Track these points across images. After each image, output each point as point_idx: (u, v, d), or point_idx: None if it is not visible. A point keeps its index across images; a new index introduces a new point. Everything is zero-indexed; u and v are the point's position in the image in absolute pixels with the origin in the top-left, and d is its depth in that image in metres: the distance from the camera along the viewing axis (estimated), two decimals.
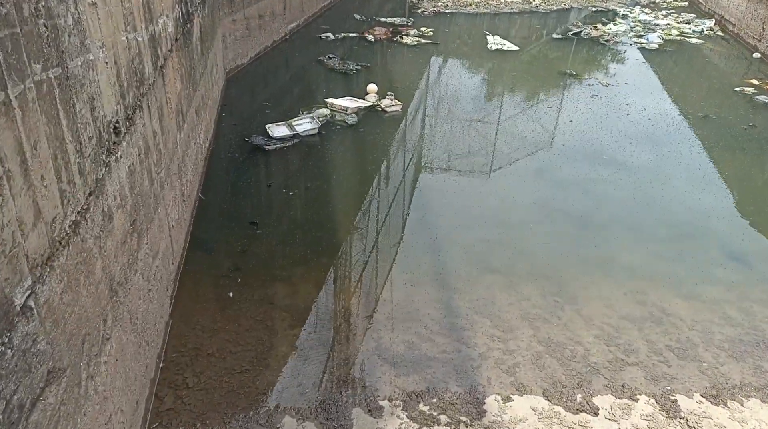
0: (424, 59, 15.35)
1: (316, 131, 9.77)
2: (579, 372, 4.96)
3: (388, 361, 5.04)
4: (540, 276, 6.31)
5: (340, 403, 4.59)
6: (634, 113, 11.57)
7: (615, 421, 4.48)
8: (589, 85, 13.40)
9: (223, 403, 4.55)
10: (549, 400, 4.65)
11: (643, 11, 22.38)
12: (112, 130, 3.66)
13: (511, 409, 4.56)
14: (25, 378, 2.36)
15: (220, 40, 11.03)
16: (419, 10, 20.96)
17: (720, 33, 18.74)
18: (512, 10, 22.13)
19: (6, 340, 2.18)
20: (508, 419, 4.46)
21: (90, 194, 3.17)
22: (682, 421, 4.49)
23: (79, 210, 3.00)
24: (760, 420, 4.54)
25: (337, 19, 18.36)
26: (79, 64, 3.06)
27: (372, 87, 11.48)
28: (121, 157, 3.82)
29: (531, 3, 23.32)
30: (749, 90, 12.93)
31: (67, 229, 2.83)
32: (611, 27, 19.41)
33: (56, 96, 2.72)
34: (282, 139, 9.37)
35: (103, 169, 3.44)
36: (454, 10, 21.58)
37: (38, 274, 2.48)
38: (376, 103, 11.11)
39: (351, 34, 16.64)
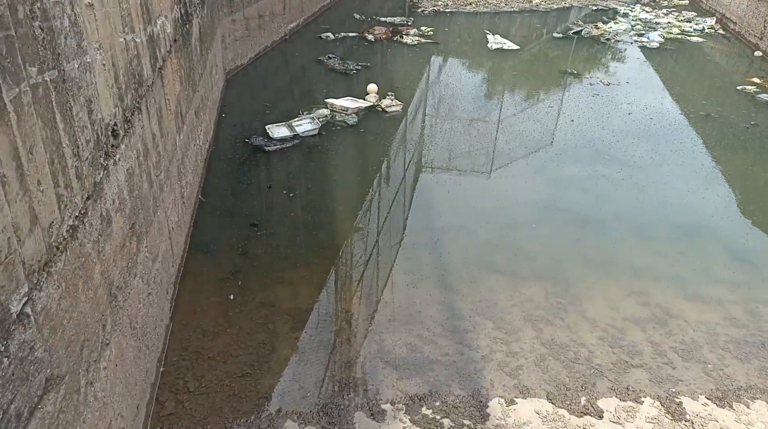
0: (425, 59, 15.30)
1: (316, 132, 9.73)
2: (583, 374, 4.92)
3: (390, 364, 5.00)
4: (542, 277, 6.26)
5: (342, 406, 4.55)
6: (636, 112, 11.52)
7: (620, 424, 4.44)
8: (590, 84, 13.35)
9: (224, 408, 4.51)
10: (553, 403, 4.61)
11: (643, 9, 22.33)
12: (110, 133, 3.62)
13: (515, 412, 4.52)
14: (23, 386, 2.32)
15: (219, 41, 10.99)
16: (419, 10, 20.91)
17: (721, 31, 18.68)
18: (512, 9, 22.07)
19: (2, 349, 2.13)
20: (511, 423, 4.42)
21: (88, 198, 3.13)
22: (687, 423, 4.44)
23: (76, 214, 2.96)
24: (767, 422, 4.49)
25: (336, 18, 18.32)
26: (76, 66, 3.01)
27: (372, 87, 11.44)
28: (119, 160, 3.78)
29: (531, 2, 23.27)
30: (751, 88, 12.87)
31: (64, 234, 2.79)
32: (612, 25, 19.35)
33: (52, 99, 2.68)
34: (282, 139, 9.33)
35: (101, 172, 3.39)
36: (454, 9, 21.53)
37: (35, 281, 2.44)
38: (376, 103, 11.07)
39: (351, 34, 16.59)
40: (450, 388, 4.74)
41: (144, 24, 4.78)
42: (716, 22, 19.35)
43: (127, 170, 3.97)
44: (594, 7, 23.04)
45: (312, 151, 9.25)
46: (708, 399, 4.70)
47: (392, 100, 11.17)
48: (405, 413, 4.49)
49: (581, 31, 18.24)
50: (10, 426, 2.21)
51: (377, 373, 4.90)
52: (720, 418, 4.52)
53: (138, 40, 4.53)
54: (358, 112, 10.62)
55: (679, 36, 18.12)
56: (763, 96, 12.40)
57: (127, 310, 3.84)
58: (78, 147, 3.01)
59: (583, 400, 4.65)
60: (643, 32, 18.45)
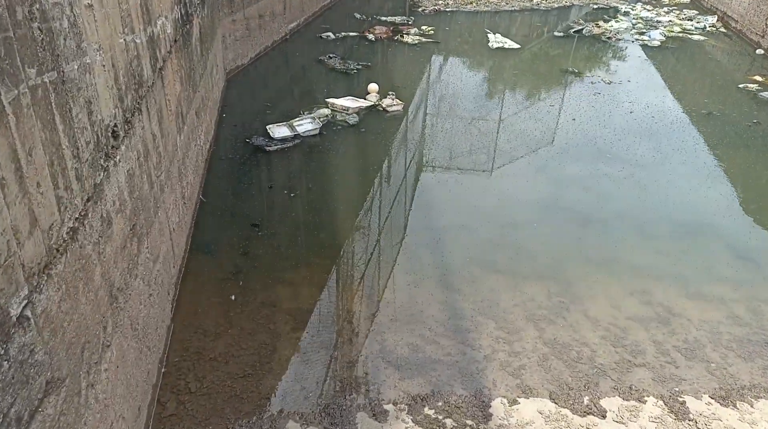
0: (425, 58, 15.28)
1: (317, 131, 9.72)
2: (586, 374, 4.90)
3: (392, 364, 4.98)
4: (544, 276, 6.25)
5: (344, 407, 4.54)
6: (638, 111, 11.49)
7: (623, 423, 4.42)
8: (592, 82, 13.32)
9: (226, 408, 4.50)
10: (556, 403, 4.59)
11: (644, 8, 22.28)
12: (110, 134, 3.61)
13: (518, 412, 4.50)
14: (23, 390, 2.31)
15: (219, 41, 10.98)
16: (420, 9, 20.88)
17: (722, 29, 18.63)
18: (513, 8, 22.03)
19: (2, 352, 2.12)
20: (514, 422, 4.40)
21: (88, 200, 3.12)
22: (691, 423, 4.43)
23: (77, 216, 2.95)
24: None
25: (337, 18, 18.30)
26: (76, 67, 3.00)
27: (373, 86, 11.43)
28: (119, 161, 3.77)
29: (532, 0, 23.23)
30: (753, 86, 12.84)
31: (64, 236, 2.77)
32: (613, 24, 19.31)
33: (52, 101, 2.67)
34: (283, 139, 9.31)
35: (102, 173, 3.38)
36: (454, 9, 21.50)
37: (35, 284, 2.43)
38: (377, 103, 11.05)
39: (351, 34, 16.57)
40: (452, 388, 4.73)
41: (144, 24, 4.76)
42: (718, 20, 19.30)
43: (127, 171, 3.96)
44: (595, 6, 23.00)
45: (313, 151, 9.24)
46: (711, 398, 4.68)
47: (393, 100, 11.16)
48: (407, 413, 4.47)
49: (582, 29, 18.21)
50: None
51: (379, 373, 4.89)
52: (724, 417, 4.50)
53: (138, 41, 4.52)
54: (359, 111, 10.61)
55: (681, 34, 18.08)
56: (765, 94, 12.36)
57: (128, 311, 3.83)
58: (78, 148, 3.00)
59: (586, 399, 4.63)
60: (644, 30, 18.41)
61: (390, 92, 11.41)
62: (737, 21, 18.18)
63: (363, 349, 5.19)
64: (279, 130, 9.53)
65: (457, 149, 9.87)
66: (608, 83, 13.23)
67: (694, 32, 18.30)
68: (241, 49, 12.60)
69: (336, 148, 9.44)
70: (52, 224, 2.64)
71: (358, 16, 18.94)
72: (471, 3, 22.43)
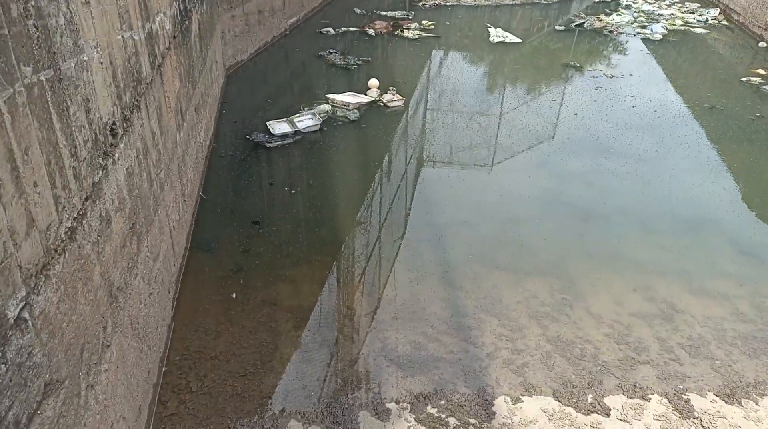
0: (426, 53, 15.20)
1: (317, 128, 9.67)
2: (589, 371, 4.87)
3: (395, 362, 4.96)
4: (547, 272, 6.21)
5: (346, 406, 4.51)
6: (640, 105, 11.43)
7: (627, 421, 4.39)
8: (593, 77, 13.24)
9: (227, 408, 4.48)
10: (559, 401, 4.56)
11: (646, 1, 22.13)
12: (108, 132, 3.56)
13: (521, 410, 4.47)
14: (21, 392, 2.27)
15: (219, 37, 10.91)
16: (420, 3, 20.76)
17: (725, 22, 18.52)
18: (513, 2, 21.90)
19: None
20: (518, 421, 4.38)
21: (86, 199, 3.08)
22: (695, 421, 4.40)
23: (75, 216, 2.91)
24: None
25: (337, 13, 18.20)
26: (73, 65, 2.96)
27: (373, 82, 11.36)
28: (118, 159, 3.73)
29: None
30: (756, 80, 12.76)
31: (62, 236, 2.74)
32: (614, 17, 19.20)
33: (48, 99, 2.62)
34: (283, 136, 9.26)
35: (100, 172, 3.34)
36: (455, 3, 21.38)
37: (33, 285, 2.40)
38: (377, 98, 10.99)
39: (351, 29, 16.48)
40: (455, 386, 4.70)
41: (142, 21, 4.71)
42: (720, 13, 19.19)
43: (126, 169, 3.92)
44: None
45: (313, 147, 9.19)
46: (716, 396, 4.65)
47: (394, 95, 11.09)
48: (410, 412, 4.45)
49: (584, 23, 18.10)
50: None
51: (381, 372, 4.86)
52: (728, 415, 4.47)
53: (136, 38, 4.47)
54: (359, 107, 10.55)
55: (683, 27, 17.97)
56: None
57: (128, 310, 3.80)
58: (75, 147, 2.96)
59: (589, 397, 4.60)
60: (645, 24, 18.31)
61: (390, 88, 11.34)
62: (739, 14, 18.07)
63: (365, 347, 5.16)
64: (279, 127, 9.48)
65: (458, 144, 9.82)
66: (610, 77, 13.15)
67: (696, 25, 18.19)
68: (241, 44, 12.53)
69: (336, 144, 9.39)
70: (50, 224, 2.60)
71: (358, 11, 18.84)
72: None
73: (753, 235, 7.11)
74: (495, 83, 13.55)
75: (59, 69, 2.77)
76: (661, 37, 16.85)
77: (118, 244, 3.63)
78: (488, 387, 4.69)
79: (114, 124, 3.69)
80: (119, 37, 3.96)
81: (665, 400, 4.60)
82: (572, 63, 14.31)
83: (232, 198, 7.74)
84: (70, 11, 2.98)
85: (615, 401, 4.58)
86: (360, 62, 13.41)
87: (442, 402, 4.54)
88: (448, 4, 21.19)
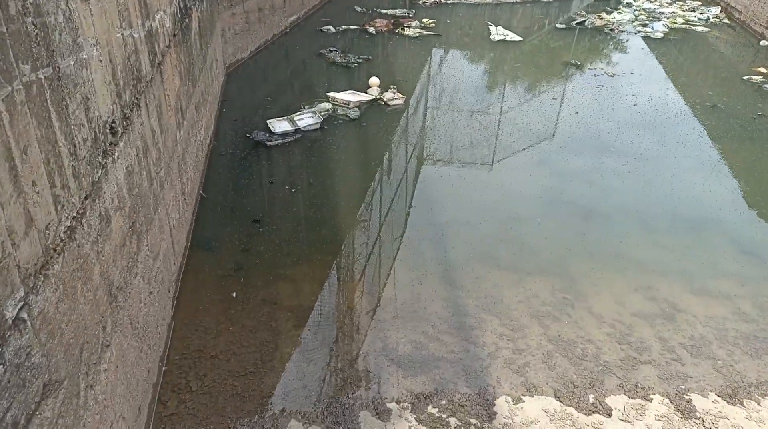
0: (426, 51, 15.17)
1: (318, 126, 9.64)
2: (591, 371, 4.85)
3: (395, 362, 4.94)
4: (548, 272, 6.19)
5: (347, 405, 4.49)
6: (641, 103, 11.40)
7: (629, 422, 4.37)
8: (594, 75, 13.21)
9: (227, 407, 4.46)
10: (561, 401, 4.55)
11: None
12: (108, 131, 3.54)
13: (522, 410, 4.46)
14: (19, 393, 2.26)
15: (219, 35, 10.88)
16: (420, 1, 20.71)
17: (726, 21, 18.48)
18: (514, 0, 21.85)
19: None
20: (519, 421, 4.36)
21: (86, 198, 3.06)
22: (698, 421, 4.38)
23: (74, 215, 2.89)
24: None
25: (337, 11, 18.16)
26: (72, 63, 2.94)
27: (374, 80, 11.33)
28: (118, 157, 3.71)
29: None
30: (757, 78, 12.73)
31: (62, 235, 2.72)
32: (615, 16, 19.16)
33: (47, 97, 2.60)
34: (284, 134, 9.24)
35: (100, 171, 3.32)
36: (455, 1, 21.33)
37: (31, 285, 2.38)
38: (378, 97, 10.96)
39: (352, 27, 16.45)
40: (456, 386, 4.68)
41: (142, 19, 4.69)
42: (721, 12, 19.15)
43: (126, 168, 3.90)
44: None
45: (314, 146, 9.17)
46: (718, 396, 4.63)
47: (395, 94, 11.07)
48: (411, 412, 4.43)
49: (584, 21, 18.07)
50: None
51: (382, 371, 4.84)
52: (731, 415, 4.45)
53: (136, 35, 4.44)
54: (360, 105, 10.52)
55: (684, 26, 17.93)
56: None
57: (127, 310, 3.78)
58: (75, 146, 2.94)
59: (591, 397, 4.59)
60: (646, 22, 18.27)
61: (391, 86, 11.31)
62: (741, 12, 18.03)
63: (365, 346, 5.14)
64: (280, 125, 9.45)
65: (458, 143, 9.79)
66: (611, 76, 13.12)
67: (698, 23, 18.16)
68: (241, 42, 12.50)
69: (337, 143, 9.36)
70: (49, 223, 2.58)
71: (358, 9, 18.80)
72: None
73: (755, 235, 7.09)
74: (495, 81, 13.52)
75: (58, 67, 2.75)
76: (662, 35, 16.82)
77: (117, 243, 3.61)
78: (489, 387, 4.67)
79: (114, 122, 3.66)
80: (119, 34, 3.94)
81: (667, 400, 4.58)
82: (573, 61, 14.28)
83: (232, 196, 7.71)
84: (69, 9, 2.95)
85: (617, 401, 4.56)
86: (360, 60, 13.37)
87: (443, 402, 4.52)
88: (448, 2, 21.14)
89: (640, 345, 5.17)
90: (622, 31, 17.39)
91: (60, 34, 2.80)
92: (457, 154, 9.45)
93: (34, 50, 2.48)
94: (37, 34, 2.52)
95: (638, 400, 4.57)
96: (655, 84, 12.68)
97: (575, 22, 18.11)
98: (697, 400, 4.58)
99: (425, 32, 16.37)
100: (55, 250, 2.63)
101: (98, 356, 3.16)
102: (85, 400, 2.94)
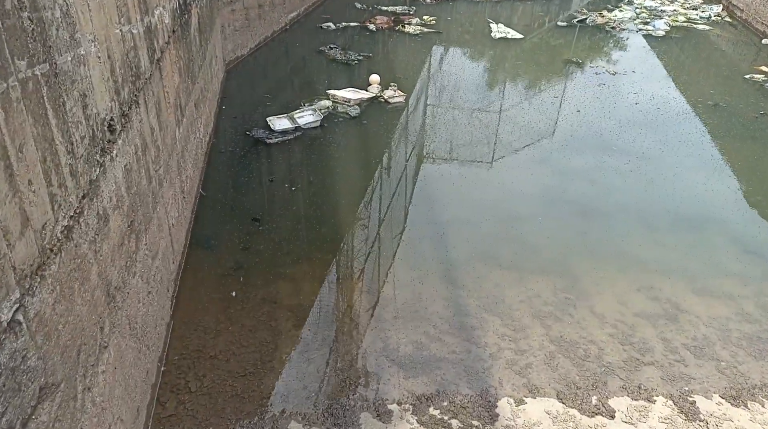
0: (427, 48, 15.10)
1: (318, 124, 9.58)
2: (593, 372, 4.81)
3: (396, 363, 4.89)
4: (549, 271, 6.14)
5: (347, 407, 4.45)
6: (643, 102, 11.35)
7: (632, 424, 4.33)
8: (596, 73, 13.16)
9: (227, 408, 4.42)
10: (563, 403, 4.50)
11: None
12: (106, 128, 3.49)
13: (525, 412, 4.42)
14: (15, 398, 2.20)
15: (218, 31, 10.81)
16: None
17: (728, 19, 18.43)
18: None
19: None
20: (521, 423, 4.32)
21: (83, 197, 3.01)
22: (701, 423, 4.34)
23: (71, 214, 2.83)
24: None
25: (337, 8, 18.08)
26: (69, 59, 2.88)
27: (374, 78, 11.27)
28: (116, 155, 3.65)
29: None
30: (759, 77, 12.68)
31: (58, 235, 2.66)
32: (617, 14, 19.09)
33: (44, 94, 2.54)
34: (284, 132, 9.18)
35: (98, 169, 3.27)
36: None
37: (27, 286, 2.32)
38: (378, 94, 10.90)
39: (352, 24, 16.38)
40: (458, 387, 4.64)
41: (141, 14, 4.63)
42: (723, 10, 19.09)
43: (124, 166, 3.84)
44: None
45: (314, 144, 9.11)
46: (722, 398, 4.59)
47: (395, 91, 11.01)
48: (412, 414, 4.39)
49: (586, 19, 18.00)
50: None
51: (383, 372, 4.79)
52: (735, 417, 4.41)
53: (135, 31, 4.38)
54: (360, 103, 10.46)
55: (685, 24, 17.87)
56: None
57: (126, 310, 3.73)
58: (72, 144, 2.88)
59: (594, 399, 4.54)
60: (648, 20, 18.20)
61: (392, 83, 11.25)
62: (743, 10, 17.97)
63: (366, 346, 5.09)
64: (279, 122, 9.39)
65: (458, 140, 9.74)
66: (612, 74, 13.07)
67: (699, 22, 18.10)
68: (241, 39, 12.43)
69: (337, 141, 9.31)
70: (46, 223, 2.53)
71: (358, 5, 18.72)
72: None
73: (757, 234, 7.05)
74: (496, 79, 13.46)
75: (55, 63, 2.69)
76: (663, 33, 16.76)
77: (115, 243, 3.55)
78: (491, 388, 4.63)
79: (112, 119, 3.61)
80: (117, 30, 3.88)
81: (670, 402, 4.54)
82: (574, 59, 14.22)
83: (231, 195, 7.66)
84: (66, 3, 2.89)
85: (619, 403, 4.52)
86: (361, 58, 13.31)
87: (445, 403, 4.48)
88: None
89: (643, 346, 5.13)
90: (624, 29, 17.33)
91: (57, 30, 2.74)
92: (457, 152, 9.39)
93: (30, 46, 2.42)
94: (33, 29, 2.47)
95: (641, 402, 4.53)
96: (657, 82, 12.63)
97: (576, 20, 18.05)
98: (701, 402, 4.54)
99: (426, 29, 16.30)
100: (51, 251, 2.58)
101: (96, 358, 3.11)
102: (83, 402, 2.89)
